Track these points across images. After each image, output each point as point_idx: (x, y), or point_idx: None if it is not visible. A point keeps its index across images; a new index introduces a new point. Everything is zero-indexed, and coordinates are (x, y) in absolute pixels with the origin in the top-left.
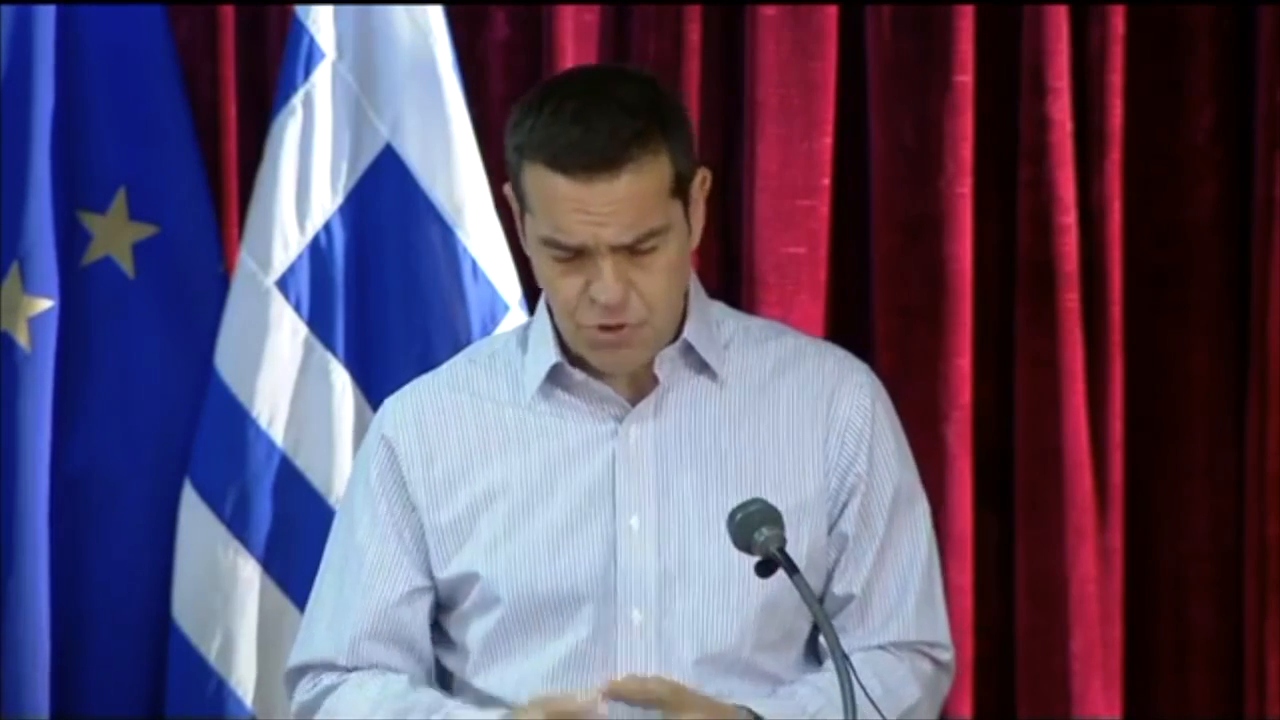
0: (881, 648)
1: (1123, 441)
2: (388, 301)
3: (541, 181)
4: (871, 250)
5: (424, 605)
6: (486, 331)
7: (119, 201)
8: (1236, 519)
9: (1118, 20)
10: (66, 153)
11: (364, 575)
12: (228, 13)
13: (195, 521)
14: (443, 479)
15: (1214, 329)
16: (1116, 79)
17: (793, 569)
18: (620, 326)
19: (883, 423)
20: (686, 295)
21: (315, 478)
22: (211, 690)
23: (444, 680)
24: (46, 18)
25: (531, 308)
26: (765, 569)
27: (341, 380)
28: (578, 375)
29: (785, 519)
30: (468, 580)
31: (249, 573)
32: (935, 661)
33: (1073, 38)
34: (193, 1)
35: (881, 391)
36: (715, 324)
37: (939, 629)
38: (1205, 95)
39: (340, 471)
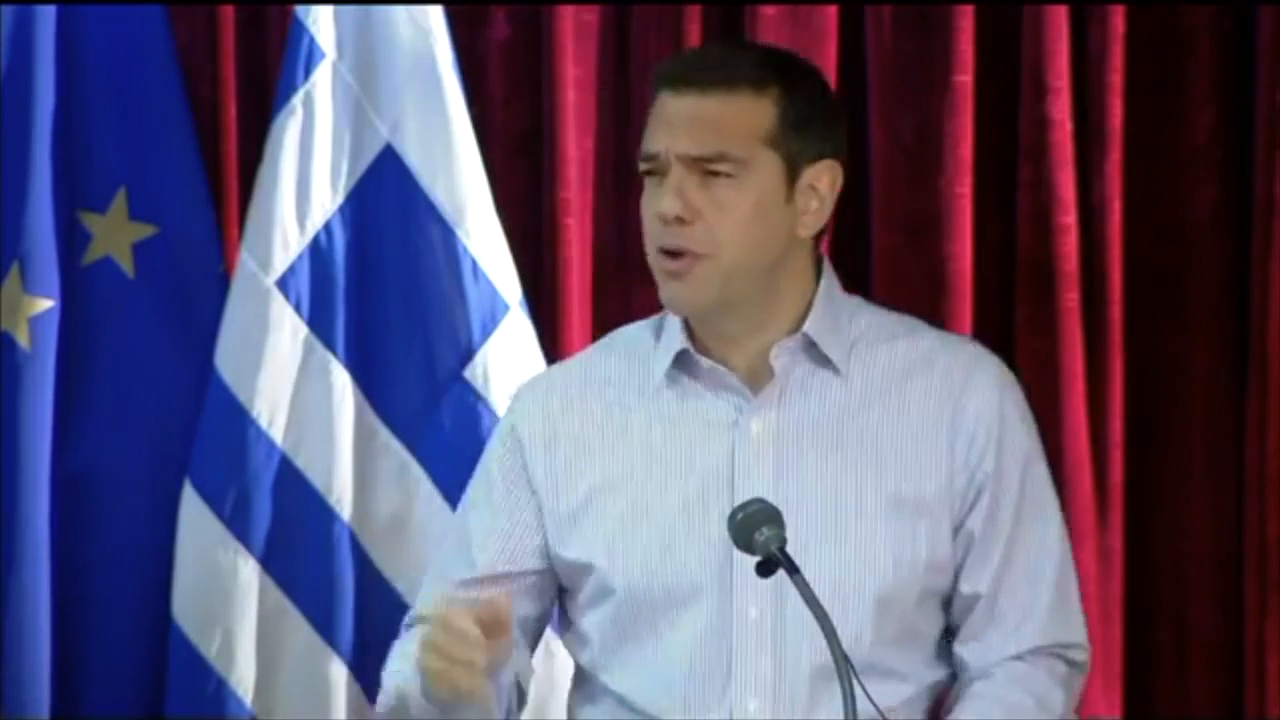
0: (1018, 657)
1: (1123, 441)
2: (388, 301)
3: (655, 103)
4: (871, 250)
5: (519, 584)
6: (487, 331)
7: (119, 201)
8: (1236, 519)
9: (1118, 20)
10: (66, 153)
11: (471, 554)
12: (228, 13)
13: (195, 521)
14: (564, 465)
15: (1214, 329)
16: (1116, 79)
17: (793, 569)
18: (682, 255)
19: (1012, 420)
20: (814, 294)
21: (315, 478)
22: (211, 690)
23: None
24: (46, 18)
25: (532, 308)
26: (765, 569)
27: (341, 380)
28: (704, 362)
29: (902, 515)
30: (585, 570)
31: (249, 573)
32: (1069, 662)
33: (1073, 38)
34: (193, 1)
35: (1012, 388)
36: (847, 319)
37: (1075, 629)
38: (1205, 95)
39: (340, 471)
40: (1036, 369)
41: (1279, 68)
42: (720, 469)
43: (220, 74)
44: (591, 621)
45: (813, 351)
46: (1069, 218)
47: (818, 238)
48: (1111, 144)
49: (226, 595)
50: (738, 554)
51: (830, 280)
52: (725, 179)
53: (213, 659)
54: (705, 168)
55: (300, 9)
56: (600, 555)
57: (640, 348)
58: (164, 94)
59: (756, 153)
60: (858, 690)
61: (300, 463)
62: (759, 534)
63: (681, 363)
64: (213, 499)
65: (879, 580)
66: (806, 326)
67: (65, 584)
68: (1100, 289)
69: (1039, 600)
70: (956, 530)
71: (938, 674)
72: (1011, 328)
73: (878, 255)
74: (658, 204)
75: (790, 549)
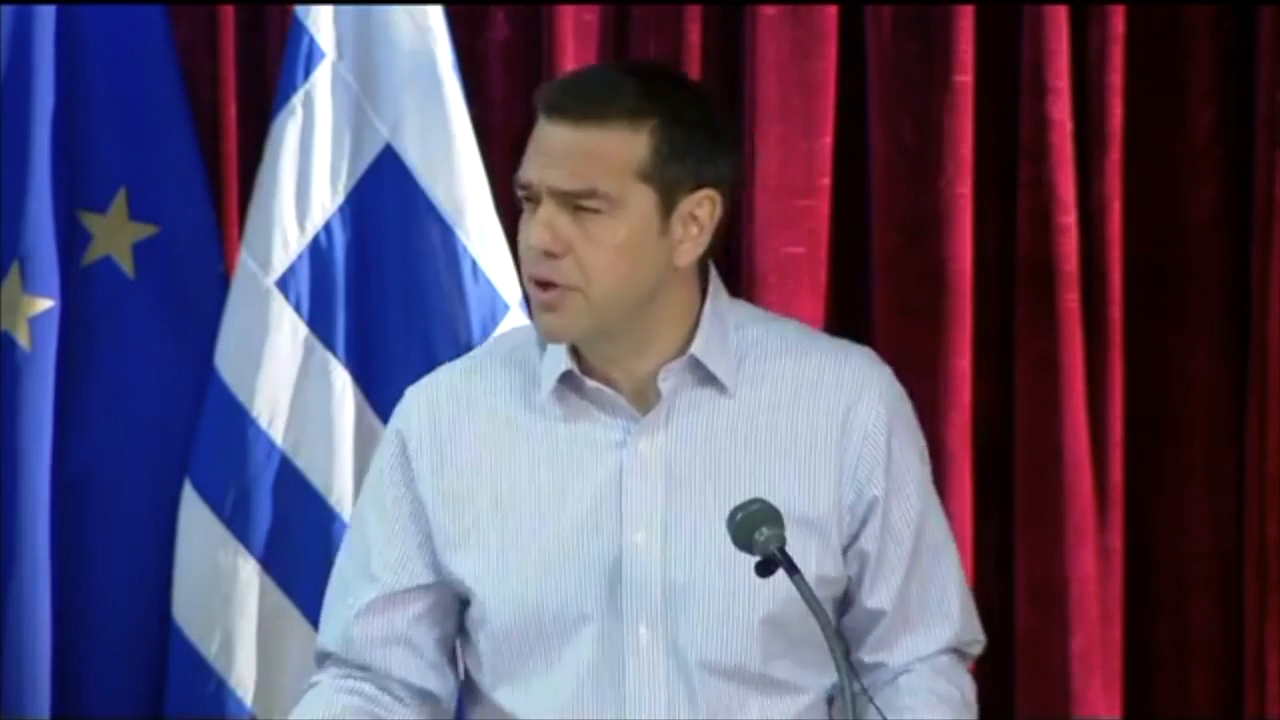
0: (934, 655)
1: (1123, 441)
2: (388, 301)
3: (536, 126)
4: (871, 250)
5: (425, 603)
6: (487, 331)
7: (119, 201)
8: (1236, 519)
9: (1118, 20)
10: (66, 153)
11: (370, 567)
12: (228, 13)
13: (195, 521)
14: (451, 482)
15: (1214, 329)
16: (1116, 79)
17: (793, 569)
18: (553, 286)
19: (901, 435)
20: (700, 313)
21: (315, 478)
22: (211, 690)
23: (470, 688)
24: (46, 18)
25: (531, 308)
26: (765, 569)
27: (341, 380)
28: (589, 383)
29: (792, 532)
30: (470, 591)
31: (249, 573)
32: (964, 655)
33: (1073, 38)
34: (193, 1)
35: (899, 399)
36: (734, 331)
37: (976, 628)
38: (1205, 95)
39: (340, 471)
40: (1036, 369)
41: (1279, 68)
42: (608, 490)
43: (220, 74)
44: (483, 639)
45: (699, 371)
46: (1069, 218)
47: (705, 259)
48: (1111, 144)
49: (226, 595)
50: (626, 574)
51: (716, 294)
52: (596, 214)
53: (213, 659)
54: (576, 202)
55: (300, 9)
56: (485, 580)
57: (527, 357)
58: (164, 94)
59: (629, 187)
60: (758, 702)
61: (300, 463)
62: (759, 534)
63: (567, 380)
64: (213, 499)
65: (767, 599)
66: (693, 348)
67: (65, 584)
68: (1100, 289)
69: (949, 607)
70: (848, 546)
71: (833, 678)
72: (1011, 328)
73: (878, 255)
74: (528, 235)
75: (680, 571)
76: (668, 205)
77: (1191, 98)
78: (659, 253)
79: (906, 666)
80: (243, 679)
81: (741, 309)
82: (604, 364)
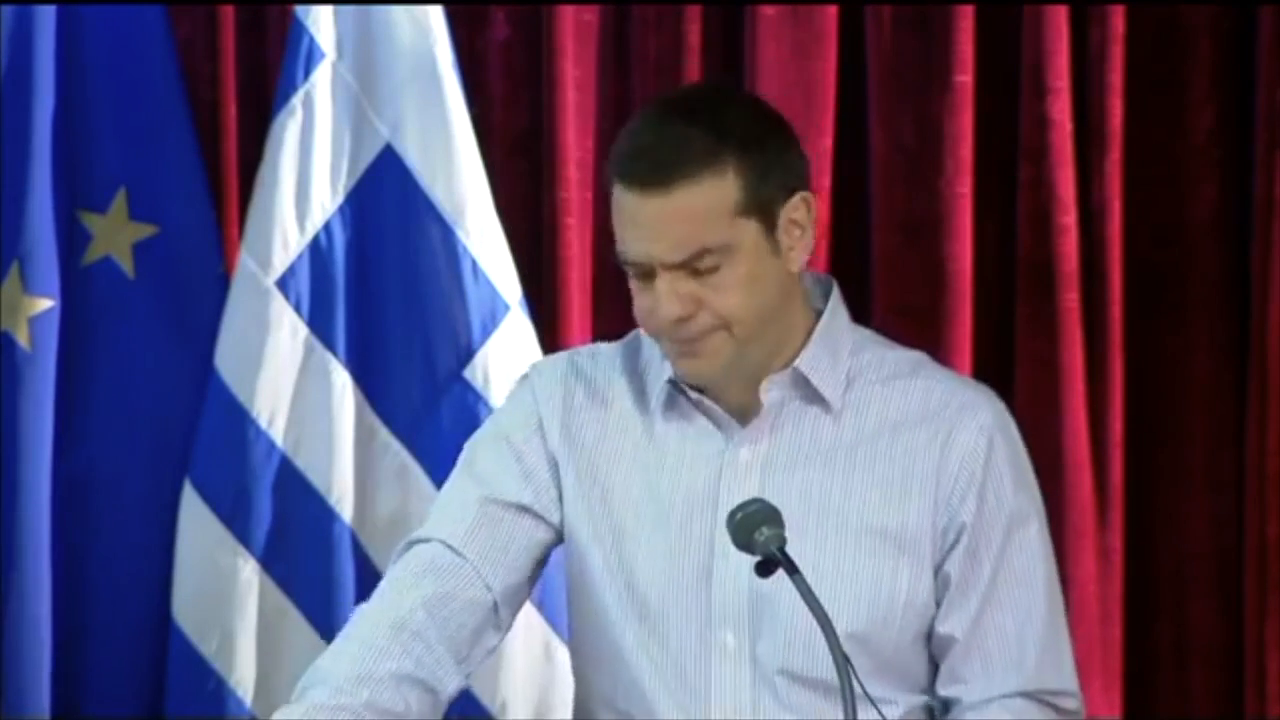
0: (1006, 697)
1: (1123, 441)
2: (388, 301)
3: (616, 196)
4: (871, 250)
5: (542, 538)
6: (487, 332)
7: (119, 201)
8: (1236, 519)
9: (1118, 20)
10: (66, 153)
11: (517, 476)
12: (228, 13)
13: (195, 521)
14: (575, 458)
15: (1214, 329)
16: (1116, 79)
17: (792, 568)
18: (691, 339)
19: (999, 467)
20: (813, 326)
21: (315, 478)
22: (211, 689)
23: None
24: (46, 18)
25: (532, 308)
26: (765, 569)
27: (341, 380)
28: (691, 393)
29: (885, 551)
30: (572, 568)
31: (249, 573)
32: (1059, 709)
33: (1073, 38)
34: (193, 1)
35: (1005, 434)
36: (847, 353)
37: (1063, 676)
38: (1205, 95)
39: (340, 471)
40: (1036, 369)
41: (1279, 68)
42: (706, 496)
43: (220, 74)
44: (577, 616)
45: (805, 387)
46: (1069, 218)
47: (821, 275)
48: (1111, 144)
49: (226, 595)
50: (715, 581)
51: (834, 315)
52: (716, 269)
53: (213, 659)
54: (693, 266)
55: (300, 9)
56: (585, 574)
57: (651, 361)
58: (164, 94)
59: (734, 228)
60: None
61: (300, 463)
62: (759, 534)
63: (677, 386)
64: (213, 499)
65: (851, 617)
66: (799, 361)
67: (65, 584)
68: (1100, 289)
69: (1027, 646)
70: (937, 569)
71: (927, 696)
72: (1011, 328)
73: (878, 255)
74: (655, 308)
75: (768, 581)
76: (770, 225)
77: (1191, 98)
78: (778, 271)
79: (977, 706)
80: (242, 679)
81: (863, 335)
82: None
